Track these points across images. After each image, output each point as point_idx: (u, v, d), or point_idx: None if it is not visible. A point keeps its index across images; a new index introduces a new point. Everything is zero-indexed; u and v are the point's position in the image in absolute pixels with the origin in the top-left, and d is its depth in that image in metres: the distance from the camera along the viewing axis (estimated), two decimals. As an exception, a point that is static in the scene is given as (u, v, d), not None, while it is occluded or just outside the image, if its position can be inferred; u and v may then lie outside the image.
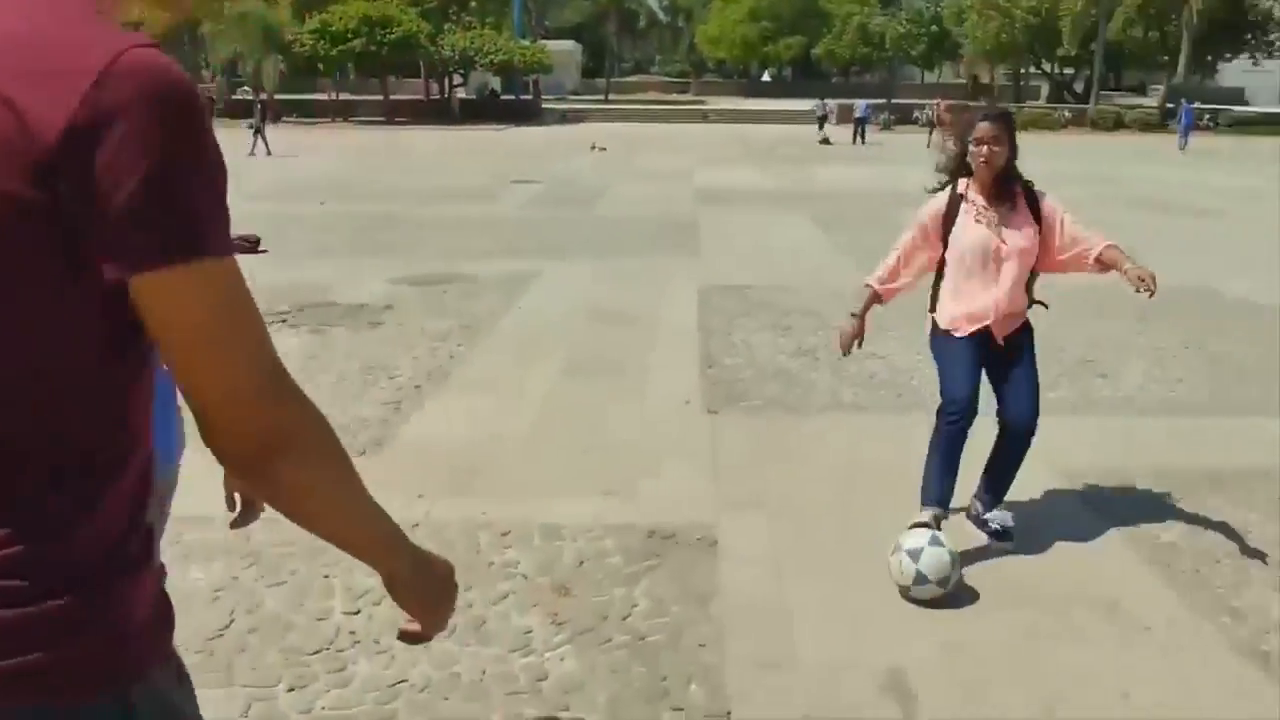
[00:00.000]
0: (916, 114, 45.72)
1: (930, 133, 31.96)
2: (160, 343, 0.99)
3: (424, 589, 1.26)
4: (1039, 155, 25.31)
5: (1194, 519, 4.35)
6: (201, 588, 3.74)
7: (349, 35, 42.28)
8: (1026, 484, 4.67)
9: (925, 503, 3.89)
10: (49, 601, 0.97)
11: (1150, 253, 11.93)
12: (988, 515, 4.07)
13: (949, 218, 3.95)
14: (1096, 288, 9.06)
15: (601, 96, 57.89)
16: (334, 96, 46.81)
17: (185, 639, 3.37)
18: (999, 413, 3.97)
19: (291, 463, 1.03)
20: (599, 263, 10.60)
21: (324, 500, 1.10)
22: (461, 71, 48.01)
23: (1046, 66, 57.05)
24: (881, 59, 55.58)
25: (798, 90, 62.54)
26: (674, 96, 63.37)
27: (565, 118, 45.80)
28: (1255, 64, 51.87)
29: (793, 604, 3.60)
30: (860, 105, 35.21)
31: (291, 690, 3.09)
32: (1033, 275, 4.02)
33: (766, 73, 74.52)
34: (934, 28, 52.92)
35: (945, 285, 4.00)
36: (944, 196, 4.02)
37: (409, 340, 7.36)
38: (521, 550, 4.01)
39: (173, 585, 3.32)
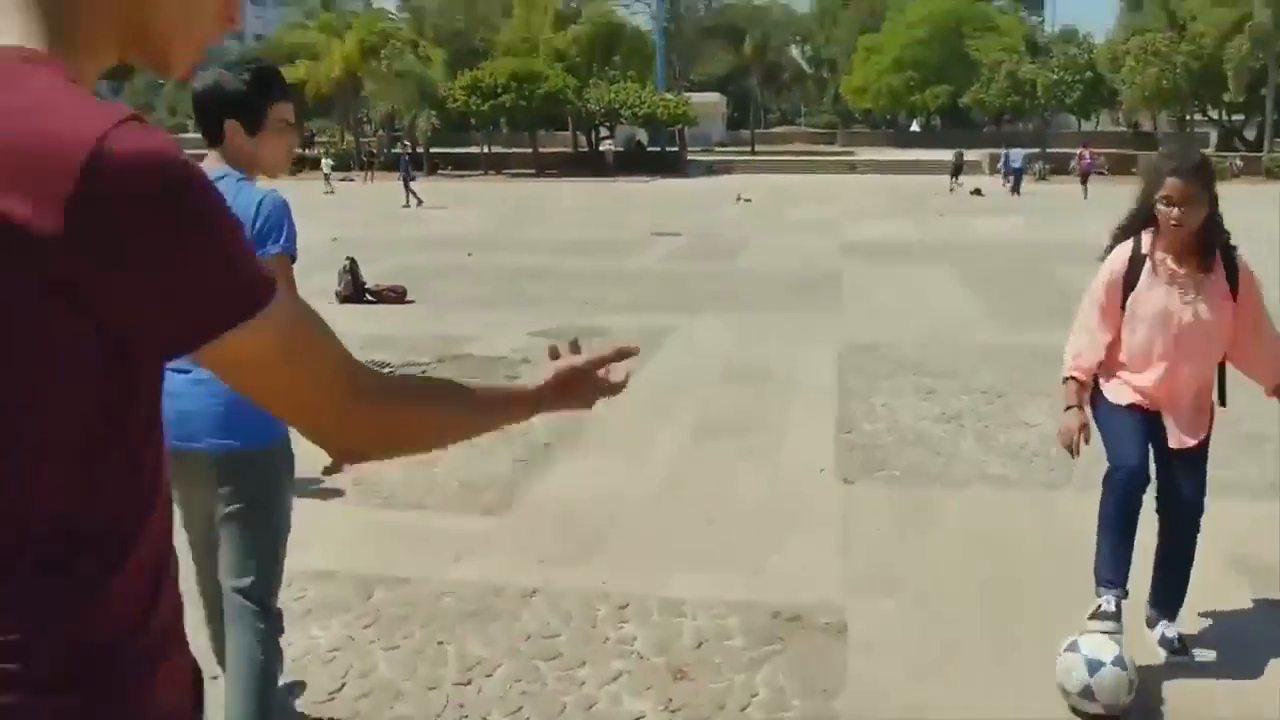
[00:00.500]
0: (1072, 164, 44.30)
1: (1083, 183, 30.78)
2: (233, 384, 1.02)
3: (558, 403, 1.44)
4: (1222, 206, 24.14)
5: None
6: (320, 645, 3.71)
7: (499, 90, 43.64)
8: (1208, 584, 4.26)
9: (1101, 584, 3.39)
10: (56, 694, 0.88)
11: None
12: (1159, 625, 3.61)
13: (1129, 281, 3.41)
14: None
15: (747, 148, 58.03)
16: (486, 149, 48.32)
17: (298, 700, 3.33)
18: (1158, 496, 3.52)
19: (380, 446, 1.17)
20: (736, 317, 10.44)
21: (425, 439, 1.24)
22: (608, 124, 48.88)
23: (1213, 113, 54.40)
24: (1034, 108, 53.98)
25: (948, 140, 61.26)
26: (820, 147, 62.96)
27: (711, 169, 46.04)
28: None
29: (926, 703, 3.32)
30: (1016, 155, 34.10)
31: (394, 771, 2.99)
32: (1221, 369, 3.52)
33: (915, 122, 73.45)
34: (1088, 74, 51.13)
35: (1120, 356, 3.50)
36: (1122, 254, 3.45)
37: (541, 395, 7.32)
38: (639, 626, 3.84)
39: (292, 641, 3.29)
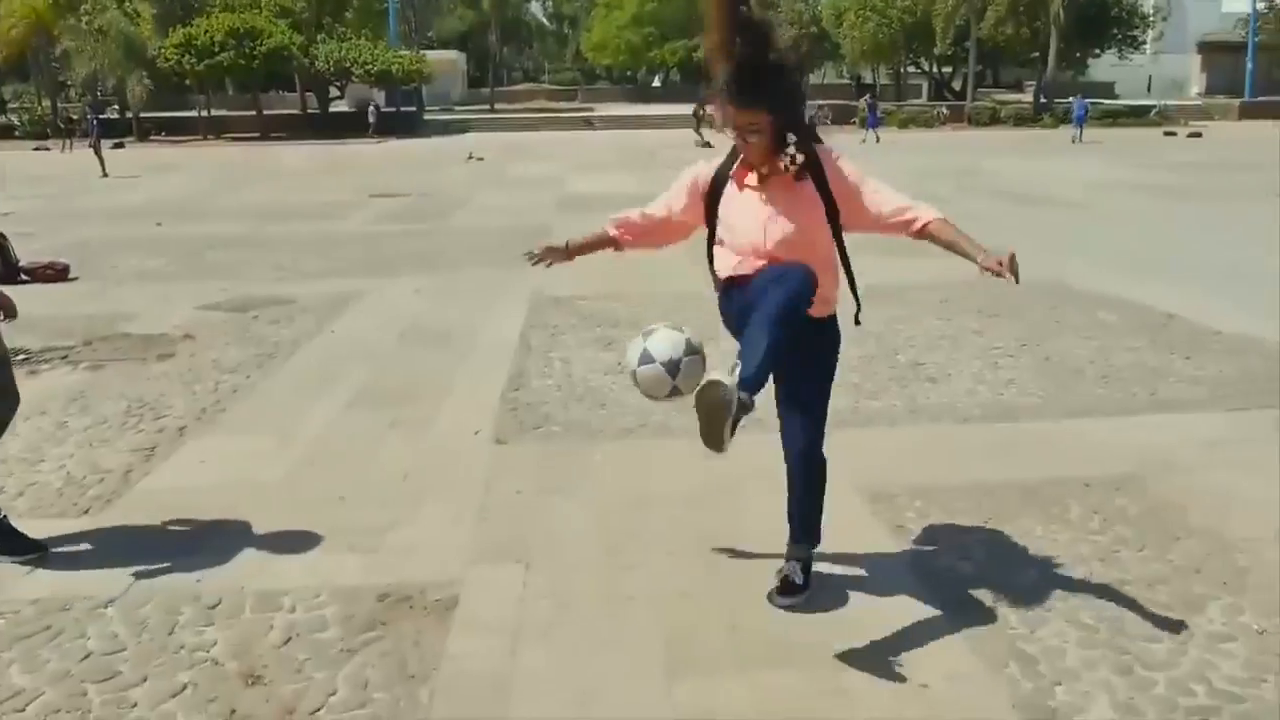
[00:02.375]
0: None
1: (696, 129, 32.27)
2: None
3: None
4: (918, 151, 25.68)
5: (999, 545, 3.95)
6: None
7: (216, 49, 40.68)
8: (830, 510, 4.25)
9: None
10: None
11: (1007, 242, 11.85)
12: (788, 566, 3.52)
13: (714, 191, 3.35)
14: (940, 284, 8.83)
15: (487, 106, 57.02)
16: (206, 113, 45.03)
17: None
18: (783, 440, 3.43)
19: None
20: (433, 278, 9.99)
21: None
22: (338, 84, 46.69)
23: (926, 65, 58.00)
24: (763, 61, 55.76)
25: (687, 94, 62.45)
26: (561, 104, 62.75)
27: (449, 129, 44.85)
28: (1121, 58, 53.45)
29: (520, 674, 3.08)
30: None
31: None
32: (846, 262, 3.34)
33: (656, 78, 74.49)
34: (813, 29, 53.35)
35: (718, 247, 3.38)
36: (717, 164, 3.37)
37: (196, 374, 6.67)
38: (223, 627, 3.41)
39: None
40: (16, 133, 42.77)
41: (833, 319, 3.40)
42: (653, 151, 29.38)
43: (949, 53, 51.32)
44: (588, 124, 46.16)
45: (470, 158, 27.46)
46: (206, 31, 41.21)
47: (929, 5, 47.34)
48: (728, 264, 3.32)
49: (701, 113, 34.92)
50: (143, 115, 43.20)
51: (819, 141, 3.28)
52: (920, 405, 5.71)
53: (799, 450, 3.40)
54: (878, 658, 3.14)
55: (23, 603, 3.61)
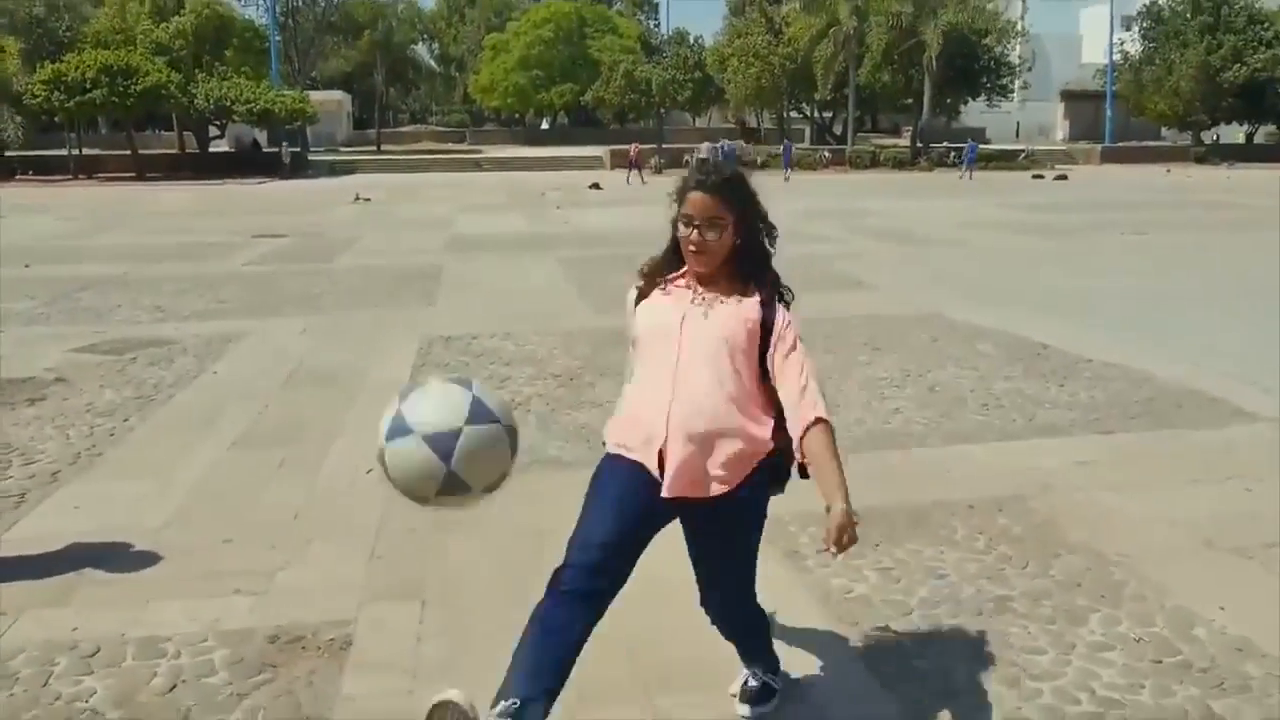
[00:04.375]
0: (686, 157, 46.94)
1: (629, 173, 33.51)
2: None
3: None
4: (803, 193, 26.16)
5: (891, 565, 4.05)
6: None
7: (88, 86, 39.34)
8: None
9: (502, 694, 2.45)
10: None
11: (891, 279, 12.16)
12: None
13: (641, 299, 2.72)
14: (826, 318, 9.06)
15: (373, 147, 56.45)
16: (77, 151, 43.44)
17: None
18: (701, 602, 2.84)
19: None
20: (319, 318, 9.80)
21: None
22: (218, 123, 45.67)
23: (808, 110, 59.64)
24: (650, 105, 56.60)
25: (576, 137, 63.04)
26: (449, 146, 62.55)
27: (334, 170, 44.23)
28: (991, 105, 55.91)
29: (417, 717, 3.01)
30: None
31: None
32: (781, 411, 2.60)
33: (545, 120, 74.86)
34: (697, 74, 54.40)
35: (627, 385, 2.73)
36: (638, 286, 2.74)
37: (69, 418, 6.39)
38: (104, 675, 3.26)
39: None
40: None
41: (753, 485, 2.61)
42: (543, 193, 29.51)
43: (829, 98, 52.90)
44: (477, 166, 46.05)
45: (357, 199, 27.09)
46: (78, 68, 39.79)
47: (809, 53, 48.80)
48: (621, 431, 2.65)
49: (635, 155, 35.91)
50: (7, 154, 41.48)
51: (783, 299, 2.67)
52: (811, 435, 5.82)
53: (715, 615, 2.86)
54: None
55: (-121, 660, 3.39)
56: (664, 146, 47.33)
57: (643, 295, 2.68)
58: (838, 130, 57.93)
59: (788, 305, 2.66)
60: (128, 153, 43.27)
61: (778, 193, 29.43)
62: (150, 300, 11.05)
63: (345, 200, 27.07)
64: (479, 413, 2.21)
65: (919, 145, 47.91)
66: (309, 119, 47.13)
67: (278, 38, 54.70)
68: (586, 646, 2.49)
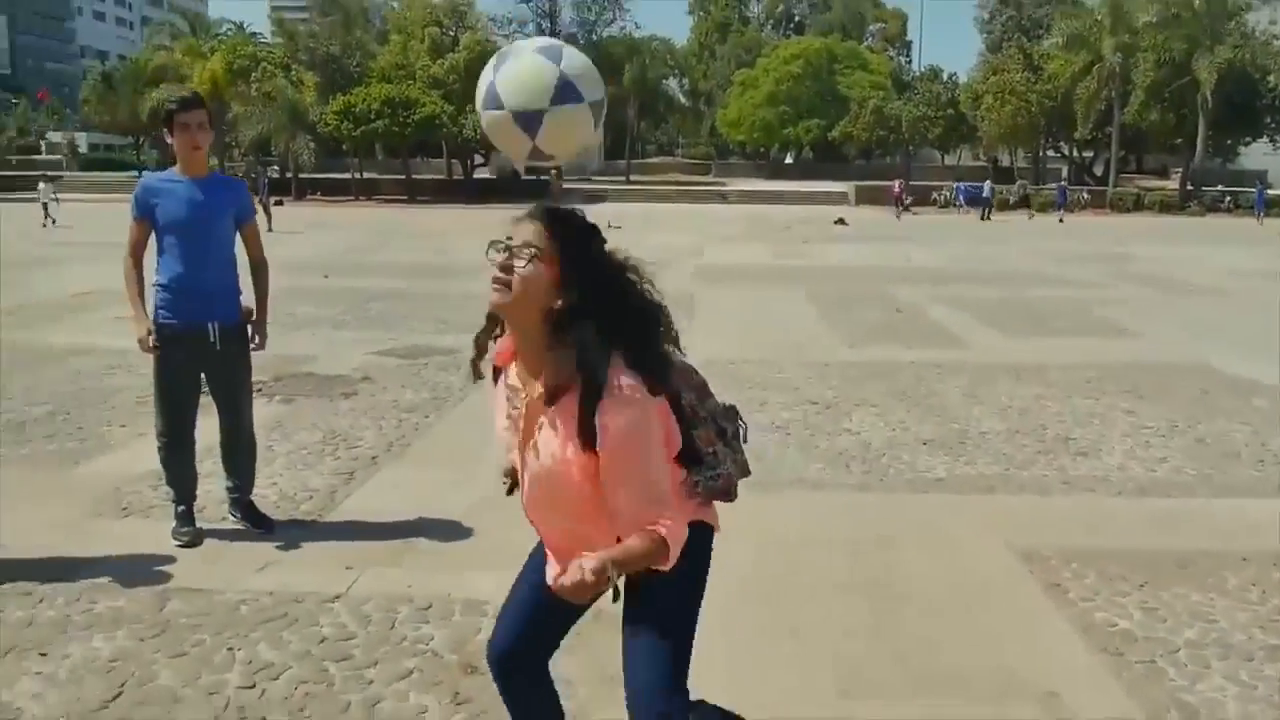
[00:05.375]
0: (935, 195, 46.38)
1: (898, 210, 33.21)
2: None
3: None
4: (1059, 235, 25.23)
5: (1156, 606, 4.11)
6: (100, 655, 3.59)
7: (372, 116, 43.13)
8: (980, 565, 4.48)
9: None
10: None
11: (1153, 327, 11.69)
12: None
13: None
14: (1085, 364, 8.91)
15: (623, 178, 58.56)
16: (359, 175, 47.60)
17: (67, 710, 3.22)
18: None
19: None
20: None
21: None
22: (483, 151, 48.78)
23: (1065, 149, 57.29)
24: (898, 142, 55.98)
25: (819, 172, 63.06)
26: (695, 178, 63.99)
27: (586, 198, 46.26)
28: (1277, 147, 51.79)
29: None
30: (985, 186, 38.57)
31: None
32: None
33: (788, 155, 75.25)
34: (949, 111, 53.34)
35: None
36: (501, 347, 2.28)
37: (379, 412, 7.24)
38: (438, 625, 3.84)
39: (69, 653, 3.19)
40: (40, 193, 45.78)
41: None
42: (787, 226, 29.84)
43: (1090, 137, 50.66)
44: (722, 198, 47.02)
45: (609, 225, 28.15)
46: (364, 100, 43.77)
47: (1069, 90, 46.97)
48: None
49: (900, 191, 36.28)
50: (301, 176, 45.92)
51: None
52: (1072, 477, 5.85)
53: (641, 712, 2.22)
54: (1037, 694, 3.35)
55: (261, 593, 4.11)
56: (911, 184, 46.74)
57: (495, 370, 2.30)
58: (1098, 170, 55.31)
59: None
60: (402, 177, 47.07)
61: (1050, 234, 28.65)
62: (430, 314, 12.13)
63: (598, 226, 28.29)
64: (566, 93, 2.13)
65: (1189, 188, 45.08)
66: (565, 149, 49.46)
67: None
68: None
